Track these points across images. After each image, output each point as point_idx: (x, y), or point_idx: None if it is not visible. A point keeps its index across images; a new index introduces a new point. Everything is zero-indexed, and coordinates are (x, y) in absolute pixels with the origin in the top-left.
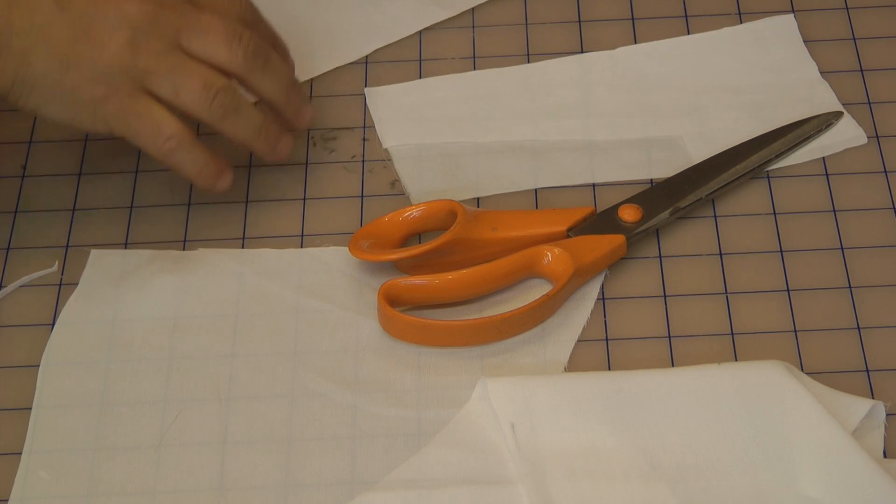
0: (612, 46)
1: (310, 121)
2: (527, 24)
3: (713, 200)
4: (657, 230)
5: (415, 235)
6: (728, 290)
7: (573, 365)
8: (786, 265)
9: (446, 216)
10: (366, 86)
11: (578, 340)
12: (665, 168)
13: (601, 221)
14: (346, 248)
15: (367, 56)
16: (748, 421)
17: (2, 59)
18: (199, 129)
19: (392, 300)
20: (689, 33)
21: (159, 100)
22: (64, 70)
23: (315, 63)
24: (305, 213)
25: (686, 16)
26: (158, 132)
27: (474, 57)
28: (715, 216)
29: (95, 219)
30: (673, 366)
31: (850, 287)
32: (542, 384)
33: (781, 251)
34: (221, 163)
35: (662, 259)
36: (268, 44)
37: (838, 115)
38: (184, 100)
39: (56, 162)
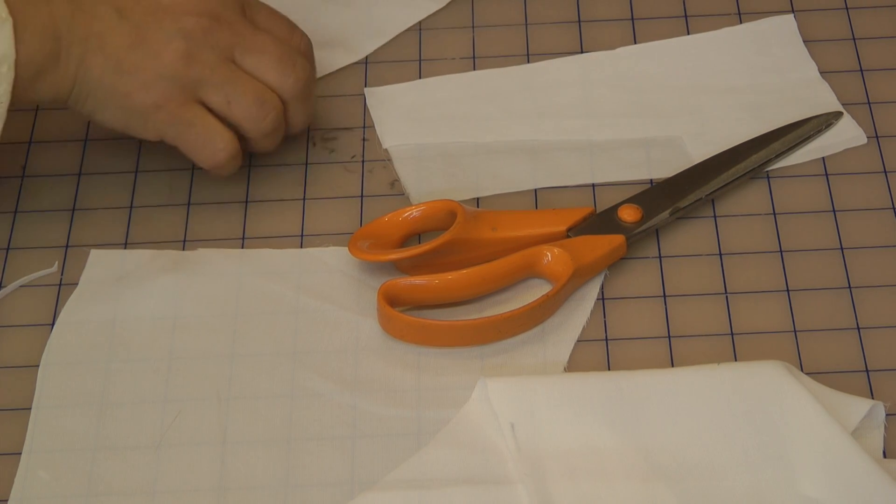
0: (612, 46)
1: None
2: (527, 24)
3: (713, 200)
4: (657, 230)
5: (415, 235)
6: (728, 290)
7: (573, 365)
8: (785, 265)
9: (446, 216)
10: (366, 86)
11: (578, 340)
12: (665, 168)
13: (601, 221)
14: (346, 248)
15: (366, 56)
16: (748, 421)
17: (62, 65)
18: None
19: (392, 300)
20: (689, 33)
21: (211, 110)
22: (118, 76)
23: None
24: (305, 214)
25: (686, 16)
26: (210, 143)
27: (474, 57)
28: (715, 216)
29: (95, 219)
30: (673, 366)
31: (849, 287)
32: (542, 384)
33: (781, 251)
34: None
35: (662, 259)
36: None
37: (838, 115)
38: (235, 112)
39: (56, 162)
